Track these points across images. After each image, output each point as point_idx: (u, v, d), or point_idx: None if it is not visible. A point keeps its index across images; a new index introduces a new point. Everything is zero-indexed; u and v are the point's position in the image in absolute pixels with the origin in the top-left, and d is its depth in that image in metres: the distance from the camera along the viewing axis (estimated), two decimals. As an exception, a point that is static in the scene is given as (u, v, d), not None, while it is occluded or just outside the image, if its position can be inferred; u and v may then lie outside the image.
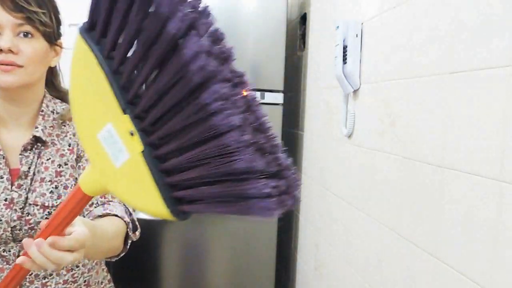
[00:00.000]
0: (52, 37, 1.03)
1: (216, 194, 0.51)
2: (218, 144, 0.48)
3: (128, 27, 0.53)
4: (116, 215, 0.99)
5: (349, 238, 1.46)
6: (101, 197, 1.03)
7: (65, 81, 1.18)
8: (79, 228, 0.76)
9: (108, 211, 0.99)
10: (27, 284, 1.05)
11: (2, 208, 1.00)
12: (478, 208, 0.80)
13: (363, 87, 1.38)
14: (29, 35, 0.99)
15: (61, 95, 1.13)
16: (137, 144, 0.53)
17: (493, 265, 0.76)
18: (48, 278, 1.07)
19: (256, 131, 0.51)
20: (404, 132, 1.10)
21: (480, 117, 0.81)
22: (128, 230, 1.02)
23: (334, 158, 1.64)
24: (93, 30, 0.56)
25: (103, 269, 1.23)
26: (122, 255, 1.05)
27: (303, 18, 2.19)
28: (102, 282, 1.21)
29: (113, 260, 1.08)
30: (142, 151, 0.53)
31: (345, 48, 1.40)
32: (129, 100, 0.54)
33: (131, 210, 1.04)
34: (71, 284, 1.10)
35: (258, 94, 2.01)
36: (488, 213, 0.78)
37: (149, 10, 0.50)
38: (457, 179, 0.87)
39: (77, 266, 1.11)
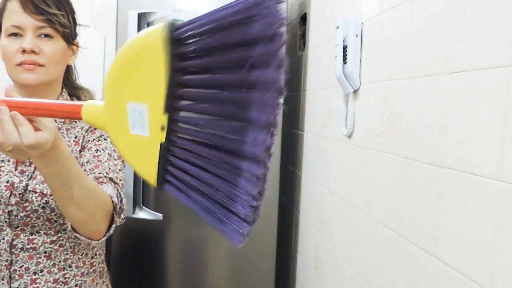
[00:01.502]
0: (70, 37, 1.10)
1: (201, 202, 0.61)
2: (234, 163, 0.57)
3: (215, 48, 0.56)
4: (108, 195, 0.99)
5: (349, 238, 1.46)
6: (95, 179, 1.02)
7: (80, 78, 1.25)
8: (48, 121, 0.74)
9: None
10: (16, 277, 1.06)
11: (3, 189, 1.03)
12: (478, 208, 0.80)
13: (363, 87, 1.38)
14: (49, 37, 1.05)
15: (75, 92, 1.18)
16: (162, 136, 0.60)
17: (493, 265, 0.76)
18: (38, 275, 1.07)
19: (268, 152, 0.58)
20: (404, 132, 1.10)
21: (480, 117, 0.81)
22: (114, 213, 1.01)
23: (334, 158, 1.64)
24: (176, 30, 0.59)
25: (103, 282, 1.21)
26: (103, 238, 1.02)
27: (303, 18, 2.19)
28: None
29: (92, 243, 1.06)
30: (162, 144, 0.60)
31: (345, 48, 1.40)
32: (175, 106, 0.60)
33: (122, 195, 1.05)
34: (61, 284, 1.10)
35: (258, 94, 2.01)
36: (488, 213, 0.78)
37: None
38: (457, 179, 0.87)
39: (70, 266, 1.11)
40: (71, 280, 1.12)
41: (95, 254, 1.19)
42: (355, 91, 1.42)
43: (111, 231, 1.03)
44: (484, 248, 0.78)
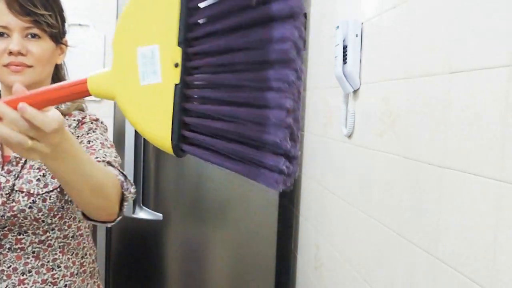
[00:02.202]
0: (58, 36, 1.08)
1: (230, 150, 0.55)
2: (259, 113, 0.52)
3: None
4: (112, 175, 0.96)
5: (349, 238, 1.46)
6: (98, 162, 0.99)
7: (69, 76, 1.21)
8: (53, 110, 0.68)
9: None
10: (4, 277, 1.04)
11: None
12: (478, 208, 0.80)
13: (363, 87, 1.38)
14: (37, 37, 1.03)
15: None
16: (175, 76, 0.56)
17: (493, 265, 0.76)
18: (26, 275, 1.06)
19: (295, 120, 0.54)
20: (404, 132, 1.10)
21: (480, 117, 0.81)
22: (123, 190, 0.98)
23: (334, 158, 1.64)
24: None
25: (94, 282, 1.19)
26: (118, 219, 1.00)
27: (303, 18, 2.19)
28: None
29: (108, 225, 1.02)
30: (177, 84, 0.56)
31: (345, 48, 1.40)
32: (188, 37, 0.56)
33: (124, 173, 1.03)
34: (50, 285, 1.08)
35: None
36: (488, 213, 0.78)
37: None
38: (457, 179, 0.87)
39: (59, 267, 1.09)
40: (60, 280, 1.10)
41: (85, 254, 1.17)
42: (355, 91, 1.42)
43: (124, 210, 1.01)
44: (484, 248, 0.78)
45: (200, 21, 0.57)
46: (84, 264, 1.17)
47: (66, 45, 1.13)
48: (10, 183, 1.03)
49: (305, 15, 2.16)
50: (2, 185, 1.02)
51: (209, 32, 0.56)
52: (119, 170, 1.04)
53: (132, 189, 1.03)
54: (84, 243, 1.16)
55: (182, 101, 0.56)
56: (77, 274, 1.14)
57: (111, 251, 2.04)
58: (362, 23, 1.39)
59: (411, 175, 1.05)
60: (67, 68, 1.21)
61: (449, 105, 0.91)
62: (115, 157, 1.08)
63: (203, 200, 2.03)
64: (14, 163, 1.04)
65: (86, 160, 0.83)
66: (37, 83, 1.05)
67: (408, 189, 1.07)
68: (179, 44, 0.56)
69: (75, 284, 1.13)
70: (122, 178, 0.99)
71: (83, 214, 0.95)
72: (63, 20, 1.11)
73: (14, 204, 1.02)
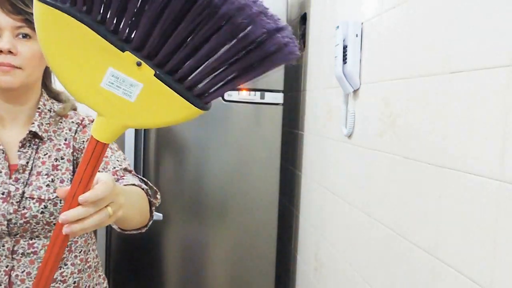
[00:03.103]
0: None
1: (239, 68, 0.59)
2: (231, 27, 0.55)
3: None
4: (134, 185, 1.01)
5: (349, 238, 1.46)
6: (113, 174, 1.05)
7: (57, 82, 1.20)
8: (101, 175, 0.74)
9: (125, 183, 1.00)
10: (18, 282, 1.05)
11: None
12: (478, 208, 0.80)
13: (363, 87, 1.38)
14: (28, 37, 1.01)
15: (53, 95, 1.15)
16: (147, 70, 0.59)
17: (493, 265, 0.76)
18: None
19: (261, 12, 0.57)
20: (404, 132, 1.10)
21: (480, 117, 0.81)
22: (149, 197, 1.04)
23: (334, 158, 1.64)
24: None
25: (99, 276, 1.22)
26: (150, 224, 1.06)
27: (303, 18, 2.19)
28: (94, 287, 1.19)
29: (143, 230, 1.07)
30: (155, 73, 0.59)
31: (345, 48, 1.40)
32: (121, 39, 0.59)
33: (145, 179, 1.09)
34: (60, 283, 1.10)
35: (258, 94, 2.01)
36: (488, 213, 0.78)
37: None
38: (457, 179, 0.87)
39: (66, 265, 1.11)
40: (69, 278, 1.12)
41: (89, 250, 1.19)
42: (355, 91, 1.42)
43: (153, 215, 1.06)
44: (484, 248, 0.78)
45: (115, 21, 0.59)
46: (89, 260, 1.19)
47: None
48: (20, 191, 1.03)
49: (305, 15, 2.16)
50: (12, 193, 1.02)
51: (130, 21, 0.59)
52: (138, 177, 1.09)
53: (158, 196, 1.09)
54: (88, 239, 1.18)
55: (171, 77, 0.60)
56: (83, 270, 1.15)
57: (111, 251, 2.04)
58: (362, 23, 1.39)
59: (411, 175, 1.05)
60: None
61: (449, 105, 0.91)
62: (124, 159, 1.12)
63: (203, 200, 2.03)
64: (21, 170, 1.04)
65: (128, 191, 0.91)
66: (28, 85, 1.04)
67: (408, 189, 1.06)
68: (123, 50, 0.59)
69: (82, 280, 1.15)
70: (144, 186, 1.04)
71: (120, 228, 1.02)
72: None
73: (26, 211, 1.02)
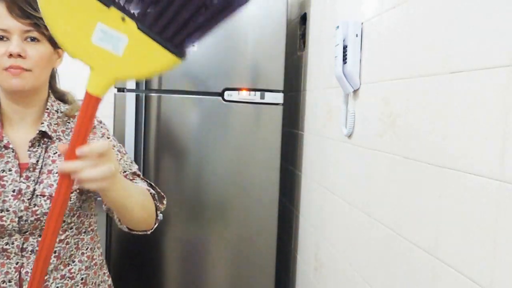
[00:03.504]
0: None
1: (205, 18, 0.69)
2: None
3: None
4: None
5: (349, 238, 1.46)
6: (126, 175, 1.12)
7: (78, 78, 1.22)
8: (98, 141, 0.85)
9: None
10: (28, 279, 1.04)
11: (10, 199, 1.04)
12: (478, 208, 0.80)
13: (363, 87, 1.38)
14: (36, 40, 1.04)
15: (59, 96, 1.19)
16: (131, 24, 0.69)
17: (493, 265, 0.76)
18: (48, 274, 1.09)
19: None
20: (404, 132, 1.10)
21: (480, 117, 0.81)
22: (155, 201, 1.12)
23: (334, 158, 1.64)
24: None
25: (104, 273, 1.25)
26: (155, 226, 1.15)
27: (303, 18, 2.19)
28: (100, 284, 1.23)
29: (149, 232, 1.15)
30: (138, 27, 0.69)
31: (345, 48, 1.40)
32: None
33: (153, 184, 1.17)
34: (68, 280, 1.12)
35: (258, 94, 2.01)
36: (488, 213, 0.78)
37: None
38: (457, 179, 0.87)
39: (73, 262, 1.13)
40: (77, 274, 1.14)
41: (95, 248, 1.21)
42: (355, 91, 1.42)
43: (159, 218, 1.15)
44: (484, 248, 0.78)
45: None
46: (94, 257, 1.21)
47: (63, 50, 1.13)
48: (31, 189, 1.05)
49: (305, 15, 2.16)
50: (23, 191, 1.05)
51: None
52: (146, 181, 1.16)
53: (164, 201, 1.17)
54: (94, 237, 1.21)
55: (151, 30, 0.69)
56: (90, 267, 1.18)
57: (111, 251, 2.04)
58: (362, 23, 1.39)
59: (411, 175, 1.05)
60: (58, 74, 1.23)
61: (449, 105, 0.91)
62: (131, 162, 1.19)
63: (203, 200, 2.03)
64: (31, 169, 1.07)
65: (130, 183, 0.99)
66: (36, 88, 1.08)
67: (408, 189, 1.07)
68: (108, 6, 0.68)
69: (89, 277, 1.18)
70: (152, 191, 1.12)
71: (128, 228, 1.10)
72: None
73: (36, 208, 1.05)
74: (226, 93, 2.00)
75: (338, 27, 1.42)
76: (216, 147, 2.01)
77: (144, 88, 2.01)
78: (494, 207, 0.76)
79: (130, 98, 1.93)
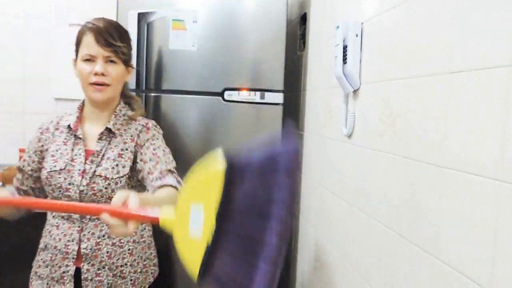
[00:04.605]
0: (128, 61, 1.46)
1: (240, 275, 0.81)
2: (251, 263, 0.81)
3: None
4: (170, 185, 1.32)
5: (349, 238, 1.46)
6: (159, 174, 1.38)
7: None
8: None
9: (164, 183, 1.33)
10: (85, 240, 1.39)
11: (76, 175, 1.39)
12: (478, 208, 0.80)
13: (363, 87, 1.38)
14: (114, 62, 1.40)
15: (128, 100, 1.54)
16: (208, 236, 0.79)
17: (493, 265, 0.76)
18: (101, 239, 1.41)
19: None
20: (404, 132, 1.10)
21: (480, 117, 0.81)
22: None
23: (334, 158, 1.64)
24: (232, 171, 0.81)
25: (151, 253, 1.55)
26: None
27: (303, 18, 2.19)
28: (146, 260, 1.52)
29: None
30: (207, 246, 0.79)
31: (345, 48, 1.40)
32: (224, 209, 0.80)
33: (179, 179, 1.39)
34: (117, 247, 1.43)
35: (258, 94, 2.01)
36: (488, 213, 0.78)
37: None
38: (457, 179, 0.87)
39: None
40: (125, 245, 1.45)
41: (144, 228, 1.52)
42: (355, 91, 1.42)
43: None
44: (484, 248, 0.78)
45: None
46: (144, 235, 1.51)
47: (132, 67, 1.50)
48: (93, 170, 1.39)
49: (305, 15, 2.16)
50: (87, 171, 1.39)
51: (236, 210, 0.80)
52: (176, 177, 1.40)
53: None
54: None
55: (205, 257, 0.80)
56: (138, 242, 1.48)
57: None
58: (362, 23, 1.39)
59: (411, 175, 1.05)
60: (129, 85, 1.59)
61: (449, 105, 0.91)
62: (171, 161, 1.45)
63: (203, 200, 2.03)
64: (95, 155, 1.41)
65: (160, 198, 1.23)
66: (112, 98, 1.44)
67: (408, 189, 1.07)
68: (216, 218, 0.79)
69: (136, 250, 1.48)
70: (178, 186, 1.34)
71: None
72: (131, 49, 1.48)
73: (95, 185, 1.38)
74: (226, 93, 2.00)
75: (338, 27, 1.42)
76: (216, 147, 2.01)
77: (144, 88, 2.01)
78: (494, 207, 0.76)
79: (130, 98, 1.93)
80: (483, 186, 0.79)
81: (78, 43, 1.42)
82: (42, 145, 1.46)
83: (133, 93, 1.60)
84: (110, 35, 1.37)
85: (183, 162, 2.05)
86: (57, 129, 1.47)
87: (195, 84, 1.99)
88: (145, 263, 1.51)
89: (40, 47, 2.61)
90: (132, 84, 1.93)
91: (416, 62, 1.05)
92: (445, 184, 0.91)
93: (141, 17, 1.96)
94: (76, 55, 1.42)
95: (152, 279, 1.55)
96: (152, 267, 1.55)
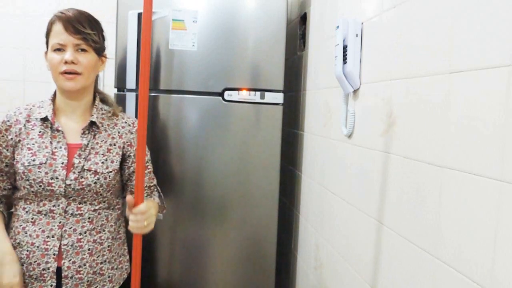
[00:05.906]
0: (100, 50, 1.44)
1: None
2: None
3: None
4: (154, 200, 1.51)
5: (349, 238, 1.46)
6: (147, 188, 1.53)
7: (103, 84, 1.64)
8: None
9: (152, 198, 1.53)
10: (66, 236, 1.38)
11: (59, 169, 1.36)
12: (478, 208, 0.80)
13: (363, 87, 1.38)
14: (84, 50, 1.38)
15: (102, 97, 1.53)
16: None
17: (493, 265, 0.76)
18: (82, 235, 1.40)
19: None
20: (404, 132, 1.10)
21: (480, 117, 0.81)
22: (161, 205, 1.60)
23: (334, 158, 1.64)
24: None
25: (124, 249, 1.57)
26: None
27: (303, 18, 2.19)
28: (121, 256, 1.53)
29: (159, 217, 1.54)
30: None
31: (345, 48, 1.40)
32: None
33: (161, 194, 1.60)
34: (98, 244, 1.43)
35: (258, 94, 2.01)
36: (488, 213, 0.78)
37: None
38: (457, 179, 0.87)
39: (103, 230, 1.45)
40: (105, 241, 1.45)
41: (120, 225, 1.54)
42: (355, 91, 1.42)
43: (159, 217, 1.55)
44: (484, 248, 0.78)
45: None
46: (120, 232, 1.53)
47: (106, 57, 1.49)
48: (82, 164, 1.38)
49: (305, 15, 2.16)
50: (76, 165, 1.38)
51: None
52: (160, 192, 1.60)
53: (165, 205, 1.65)
54: (120, 216, 1.53)
55: None
56: (115, 238, 1.50)
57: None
58: (362, 23, 1.39)
59: (411, 175, 1.05)
60: (101, 78, 1.60)
61: (449, 105, 0.91)
62: (153, 178, 1.60)
63: (203, 200, 2.03)
64: (83, 149, 1.40)
65: (155, 207, 1.46)
66: (85, 88, 1.41)
67: (408, 189, 1.06)
68: None
69: (114, 246, 1.49)
70: (160, 202, 1.56)
71: None
72: (103, 38, 1.47)
73: (83, 179, 1.38)
74: (226, 93, 2.00)
75: (338, 27, 1.42)
76: (216, 147, 2.01)
77: (144, 88, 2.00)
78: (494, 207, 0.76)
79: (130, 98, 1.93)
80: (483, 186, 0.79)
81: (48, 34, 1.40)
82: (12, 138, 1.40)
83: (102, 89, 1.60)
84: (79, 23, 1.36)
85: (183, 162, 2.06)
86: (28, 121, 1.41)
87: (195, 84, 1.99)
88: (120, 259, 1.52)
89: (40, 47, 2.61)
90: (132, 84, 1.93)
91: (416, 62, 1.05)
92: (445, 184, 0.91)
93: (141, 17, 1.96)
94: (47, 47, 1.40)
95: (126, 276, 1.55)
96: (126, 263, 1.55)
